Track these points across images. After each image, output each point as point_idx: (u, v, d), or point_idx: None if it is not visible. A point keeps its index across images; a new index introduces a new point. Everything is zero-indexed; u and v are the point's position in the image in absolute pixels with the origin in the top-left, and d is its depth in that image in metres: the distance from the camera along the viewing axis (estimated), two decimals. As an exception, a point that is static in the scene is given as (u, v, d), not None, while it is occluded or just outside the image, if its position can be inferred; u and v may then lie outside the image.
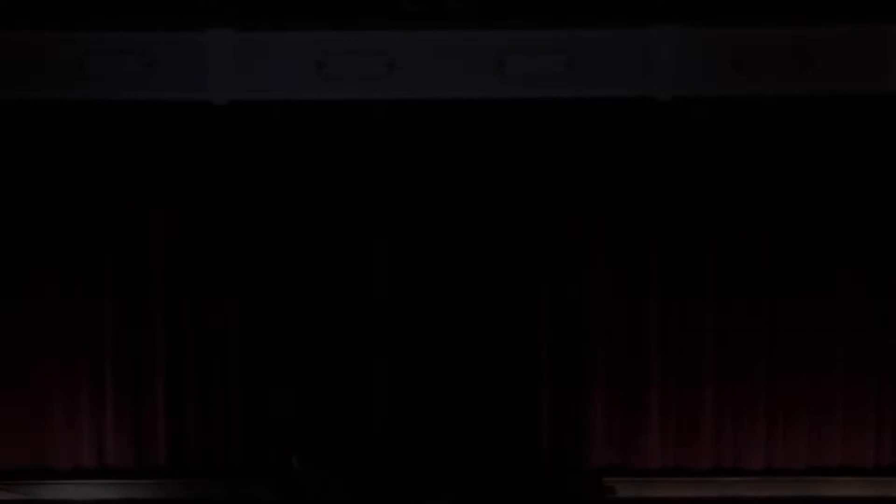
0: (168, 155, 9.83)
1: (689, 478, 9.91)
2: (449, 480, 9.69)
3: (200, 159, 9.86)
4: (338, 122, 9.83)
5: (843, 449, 9.92)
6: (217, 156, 9.84)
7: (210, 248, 9.92)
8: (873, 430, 9.90)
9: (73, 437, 9.99)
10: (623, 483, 9.85)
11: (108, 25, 9.48)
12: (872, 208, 9.80)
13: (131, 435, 9.99)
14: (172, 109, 9.73)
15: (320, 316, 9.98)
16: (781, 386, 9.91)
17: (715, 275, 9.87)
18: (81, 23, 9.47)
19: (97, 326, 9.93)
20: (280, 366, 9.99)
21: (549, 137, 9.79)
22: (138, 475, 9.95)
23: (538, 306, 9.95)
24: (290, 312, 9.99)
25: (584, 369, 9.94)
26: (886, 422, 9.91)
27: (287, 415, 9.94)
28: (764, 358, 9.90)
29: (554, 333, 9.96)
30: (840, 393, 9.89)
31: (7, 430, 9.95)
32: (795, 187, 9.78)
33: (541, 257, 9.92)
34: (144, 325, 9.95)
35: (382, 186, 9.93)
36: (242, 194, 9.88)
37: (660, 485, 9.87)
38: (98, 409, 9.99)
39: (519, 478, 9.86)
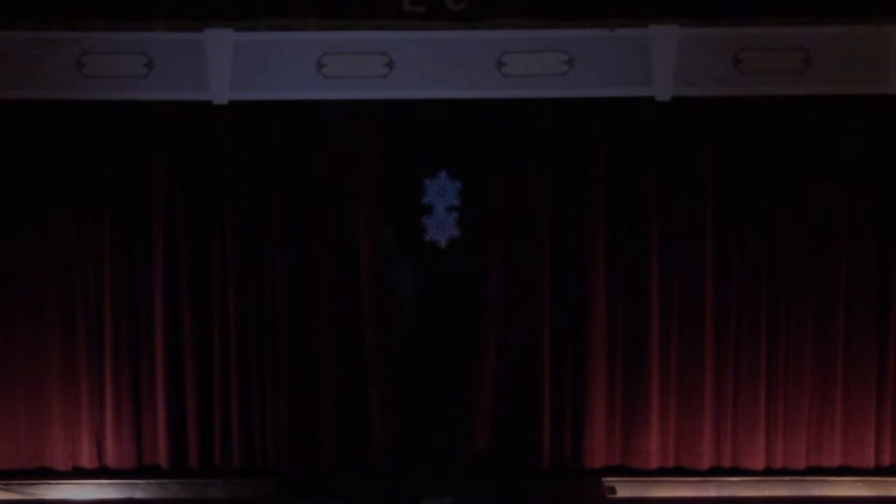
0: (168, 154, 9.82)
1: (689, 478, 9.92)
2: (449, 480, 9.70)
3: (200, 159, 9.85)
4: (337, 122, 9.82)
5: (843, 449, 9.92)
6: (217, 155, 9.83)
7: (209, 248, 9.91)
8: (873, 430, 9.90)
9: (73, 437, 10.00)
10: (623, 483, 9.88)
11: (108, 25, 9.48)
12: (869, 209, 9.79)
13: (131, 435, 10.00)
14: (172, 109, 9.73)
15: (318, 316, 9.96)
16: (781, 386, 9.92)
17: (714, 273, 9.86)
18: (81, 23, 9.47)
19: (97, 326, 9.94)
20: (278, 366, 10.00)
21: (549, 137, 9.79)
22: (138, 475, 9.95)
23: (539, 306, 9.94)
24: (289, 312, 9.97)
25: (585, 369, 9.94)
26: (886, 422, 9.91)
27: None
28: (764, 358, 9.90)
29: (554, 333, 9.96)
30: (840, 393, 9.88)
31: (7, 430, 9.95)
32: (795, 188, 9.78)
33: (540, 254, 9.91)
34: (145, 326, 9.95)
35: (382, 184, 9.93)
36: (242, 193, 9.87)
37: (660, 485, 9.87)
38: (98, 409, 9.99)
39: (519, 478, 9.86)
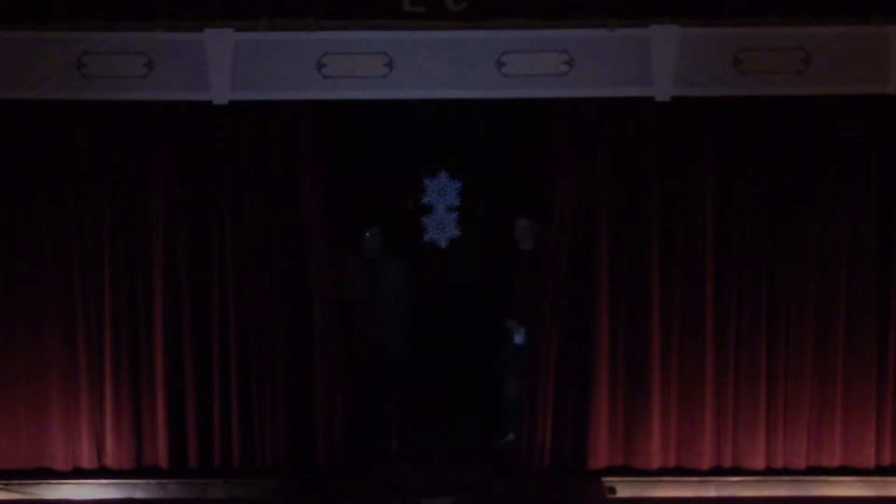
0: (168, 155, 9.82)
1: (690, 478, 9.92)
2: (449, 480, 9.71)
3: (200, 159, 9.85)
4: (337, 122, 9.83)
5: (843, 449, 9.92)
6: (217, 155, 9.83)
7: (209, 248, 9.91)
8: (873, 430, 9.89)
9: (73, 437, 9.99)
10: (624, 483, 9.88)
11: (108, 25, 9.48)
12: (869, 209, 9.79)
13: (131, 435, 9.99)
14: (172, 109, 9.73)
15: (315, 316, 9.95)
16: (781, 386, 9.91)
17: (714, 273, 9.85)
18: (81, 23, 9.47)
19: (97, 326, 9.93)
20: (278, 366, 9.99)
21: (549, 137, 9.79)
22: (138, 475, 9.95)
23: (541, 306, 9.94)
24: (288, 312, 9.97)
25: (586, 369, 9.93)
26: (886, 422, 9.90)
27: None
28: (764, 358, 9.90)
29: (555, 333, 9.96)
30: (840, 393, 9.88)
31: (7, 430, 9.95)
32: (795, 188, 9.77)
33: (541, 256, 9.91)
34: (145, 326, 9.95)
35: (382, 184, 9.94)
36: (242, 193, 9.87)
37: (661, 485, 9.87)
38: (98, 409, 9.99)
39: (520, 477, 9.86)
